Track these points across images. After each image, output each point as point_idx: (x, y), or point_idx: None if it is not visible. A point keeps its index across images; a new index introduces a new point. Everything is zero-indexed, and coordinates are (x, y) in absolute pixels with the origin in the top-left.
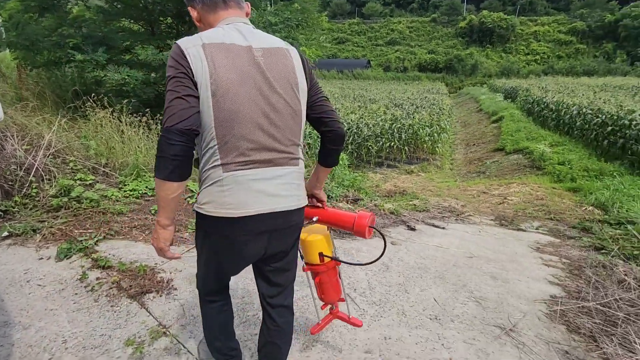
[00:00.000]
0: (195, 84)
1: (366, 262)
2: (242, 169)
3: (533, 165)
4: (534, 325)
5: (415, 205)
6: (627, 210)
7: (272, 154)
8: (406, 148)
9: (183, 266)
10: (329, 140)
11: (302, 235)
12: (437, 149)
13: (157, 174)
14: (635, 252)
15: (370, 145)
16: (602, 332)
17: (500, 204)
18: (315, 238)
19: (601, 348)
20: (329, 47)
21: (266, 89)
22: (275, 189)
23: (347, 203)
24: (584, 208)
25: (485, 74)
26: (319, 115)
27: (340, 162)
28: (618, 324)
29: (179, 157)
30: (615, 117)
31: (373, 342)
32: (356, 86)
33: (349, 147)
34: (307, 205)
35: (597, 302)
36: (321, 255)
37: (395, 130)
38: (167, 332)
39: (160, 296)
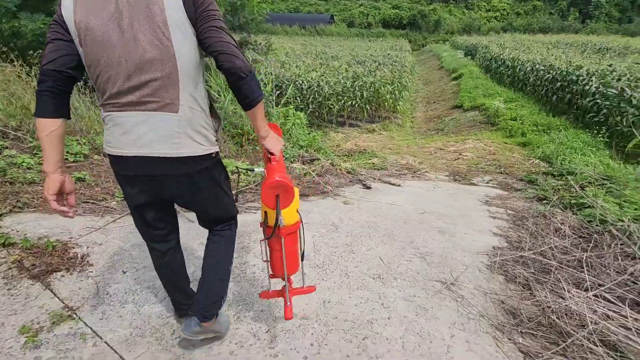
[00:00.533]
0: (67, 30)
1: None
2: (115, 111)
3: (488, 122)
4: (475, 278)
5: (373, 163)
6: (569, 162)
7: (142, 98)
8: (368, 107)
9: (105, 238)
10: (226, 77)
11: (262, 184)
12: (398, 107)
13: (34, 113)
14: (573, 202)
15: (331, 104)
16: (536, 280)
17: (455, 160)
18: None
19: (534, 296)
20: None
21: (129, 30)
22: (146, 134)
23: (303, 164)
24: (531, 161)
25: (448, 30)
26: (207, 50)
27: (298, 121)
28: (551, 271)
29: (44, 93)
30: (564, 73)
31: (311, 308)
32: (319, 43)
33: (310, 106)
34: (210, 155)
35: (533, 251)
36: (266, 214)
37: (357, 88)
38: (74, 315)
39: (71, 274)
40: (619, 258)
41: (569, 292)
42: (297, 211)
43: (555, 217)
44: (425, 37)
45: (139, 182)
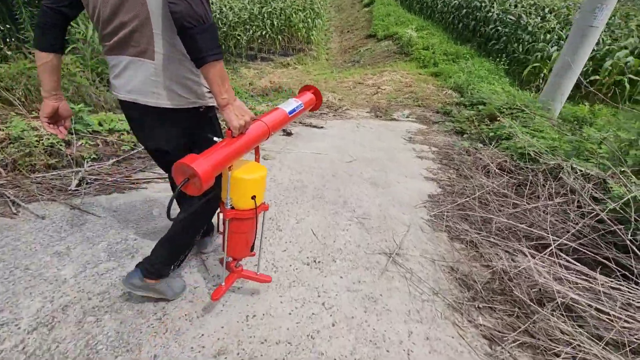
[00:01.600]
0: None
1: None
2: (107, 54)
3: (402, 52)
4: (418, 241)
5: None
6: (477, 91)
7: (122, 42)
8: (280, 37)
9: None
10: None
11: (233, 172)
12: (312, 37)
13: (32, 42)
14: (491, 134)
15: (238, 35)
16: (480, 235)
17: (374, 94)
18: (247, 176)
19: (482, 255)
20: None
21: None
22: (131, 79)
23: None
24: (444, 92)
25: None
26: None
27: None
28: (492, 221)
29: (40, 27)
30: (469, 0)
31: (230, 331)
32: None
33: None
34: (197, 109)
35: (468, 197)
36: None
37: (266, 15)
38: None
39: None
40: (554, 197)
41: (515, 252)
42: (252, 198)
43: (480, 153)
44: None
45: (135, 126)
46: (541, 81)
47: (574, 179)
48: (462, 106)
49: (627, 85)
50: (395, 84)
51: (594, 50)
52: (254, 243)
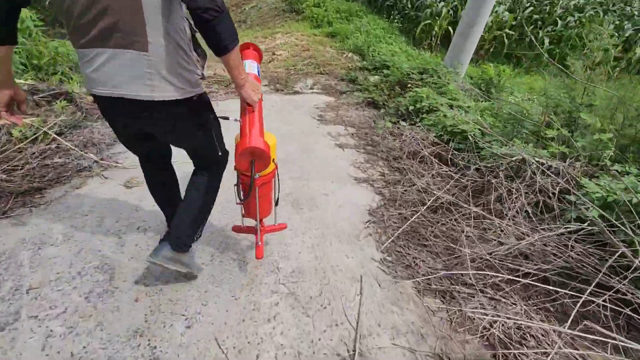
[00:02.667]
0: None
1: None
2: (81, 47)
3: (292, 9)
4: (381, 310)
5: None
6: (378, 54)
7: (105, 32)
8: None
9: None
10: (191, 15)
11: (236, 134)
12: None
13: None
14: (410, 107)
15: None
16: (453, 278)
17: (269, 62)
18: (271, 143)
19: (472, 319)
20: None
21: None
22: (115, 73)
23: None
24: (345, 55)
25: None
26: None
27: None
28: (465, 263)
29: None
30: None
31: None
32: None
33: None
34: (191, 98)
35: (421, 208)
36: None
37: None
38: None
39: None
40: (525, 205)
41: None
42: (273, 160)
43: (405, 133)
44: None
45: (117, 119)
46: (433, 40)
47: (538, 174)
48: (366, 71)
49: (506, 41)
50: (292, 48)
51: None
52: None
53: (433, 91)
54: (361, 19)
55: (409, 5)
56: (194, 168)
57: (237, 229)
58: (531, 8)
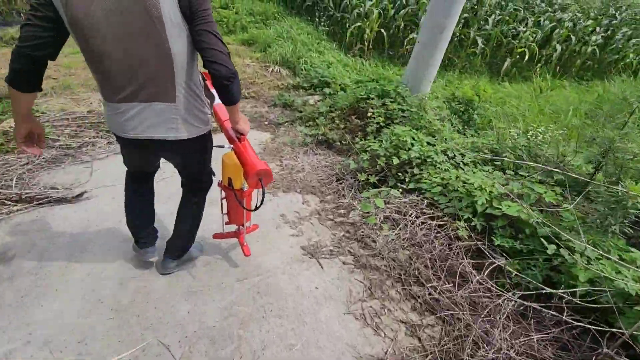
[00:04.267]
0: (54, 16)
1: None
2: (115, 102)
3: None
4: None
5: None
6: (311, 66)
7: (141, 90)
8: None
9: None
10: (212, 79)
11: (223, 156)
12: None
13: (6, 78)
14: (394, 161)
15: None
16: None
17: None
18: (228, 161)
19: None
20: None
21: (123, 25)
22: (146, 119)
23: None
24: (271, 69)
25: None
26: (199, 52)
27: None
28: None
29: (18, 71)
30: None
31: None
32: None
33: None
34: (205, 134)
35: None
36: (229, 180)
37: None
38: None
39: None
40: None
41: None
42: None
43: (406, 214)
44: None
45: (139, 153)
46: (365, 44)
47: None
48: (302, 90)
49: None
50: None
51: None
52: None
53: (411, 129)
54: (280, 23)
55: (332, 5)
56: (185, 189)
57: (219, 236)
58: None
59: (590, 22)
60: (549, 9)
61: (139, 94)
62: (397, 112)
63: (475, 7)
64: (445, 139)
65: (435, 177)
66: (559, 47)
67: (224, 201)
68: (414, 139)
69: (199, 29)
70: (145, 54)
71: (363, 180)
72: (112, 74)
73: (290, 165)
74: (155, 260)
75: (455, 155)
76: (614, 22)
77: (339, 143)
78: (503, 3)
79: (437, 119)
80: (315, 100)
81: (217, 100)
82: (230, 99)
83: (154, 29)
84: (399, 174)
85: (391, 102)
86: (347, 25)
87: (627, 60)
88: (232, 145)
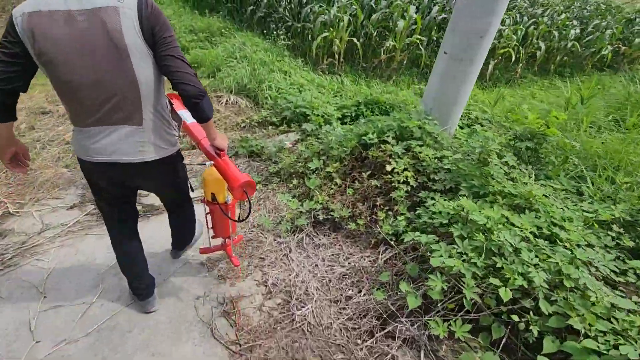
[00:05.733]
0: (22, 52)
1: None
2: (83, 126)
3: None
4: None
5: None
6: (279, 92)
7: (108, 115)
8: None
9: None
10: (182, 99)
11: (204, 173)
12: None
13: None
14: (489, 296)
15: None
16: None
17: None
18: (209, 177)
19: None
20: None
21: (89, 57)
22: (113, 144)
23: None
24: (225, 100)
25: None
26: (165, 74)
27: None
28: None
29: None
30: None
31: None
32: None
33: None
34: (172, 155)
35: None
36: (213, 195)
37: None
38: None
39: None
40: None
41: None
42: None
43: None
44: None
45: (107, 179)
46: (336, 57)
47: None
48: (271, 127)
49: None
50: None
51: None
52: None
53: (509, 211)
54: (229, 40)
55: (288, 15)
56: (170, 215)
57: (206, 250)
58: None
59: (563, 15)
60: (524, 3)
61: (107, 118)
62: (434, 164)
63: (445, 4)
64: (538, 211)
65: (606, 335)
66: (542, 45)
67: (209, 216)
68: (510, 231)
69: (164, 54)
70: (112, 82)
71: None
72: (81, 101)
73: (282, 285)
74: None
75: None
76: (586, 13)
77: (352, 224)
78: None
79: (505, 170)
80: (292, 141)
81: (191, 120)
82: (202, 116)
83: (119, 58)
84: (511, 315)
85: (419, 145)
86: (311, 36)
87: (604, 52)
88: (212, 162)
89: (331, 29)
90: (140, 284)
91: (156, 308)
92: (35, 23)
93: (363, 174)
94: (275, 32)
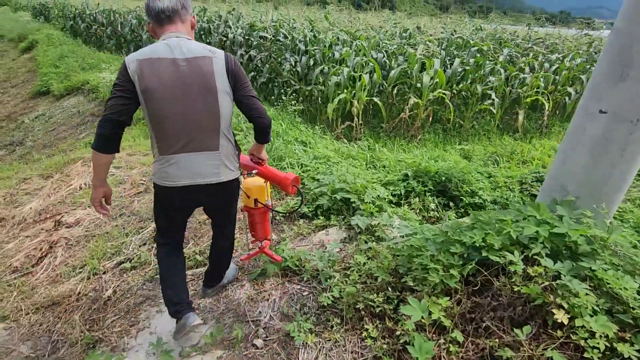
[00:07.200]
0: (131, 89)
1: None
2: (171, 154)
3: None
4: None
5: None
6: (304, 170)
7: (193, 143)
8: None
9: None
10: (254, 128)
11: (246, 184)
12: None
13: (92, 144)
14: None
15: None
16: None
17: (44, 254)
18: (253, 186)
19: None
20: None
21: (184, 94)
22: (196, 167)
23: None
24: None
25: None
26: (245, 112)
27: None
28: None
29: (104, 136)
30: None
31: None
32: None
33: None
34: (237, 178)
35: None
36: (256, 201)
37: None
38: None
39: None
40: None
41: None
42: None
43: None
44: None
45: (182, 199)
46: (355, 120)
47: None
48: (303, 220)
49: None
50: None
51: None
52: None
53: None
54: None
55: (294, 79)
56: (215, 237)
57: (246, 258)
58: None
59: (579, 60)
60: (540, 50)
61: (189, 145)
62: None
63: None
64: None
65: None
66: (572, 90)
67: (248, 221)
68: None
69: (245, 94)
70: (198, 115)
71: None
72: (169, 131)
73: None
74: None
75: None
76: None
77: None
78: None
79: None
80: (338, 245)
81: None
82: (267, 139)
83: (209, 95)
84: None
85: (603, 270)
86: (321, 99)
87: None
88: (255, 171)
89: (345, 90)
90: (177, 298)
91: (199, 321)
92: (145, 66)
93: (502, 324)
94: (283, 97)
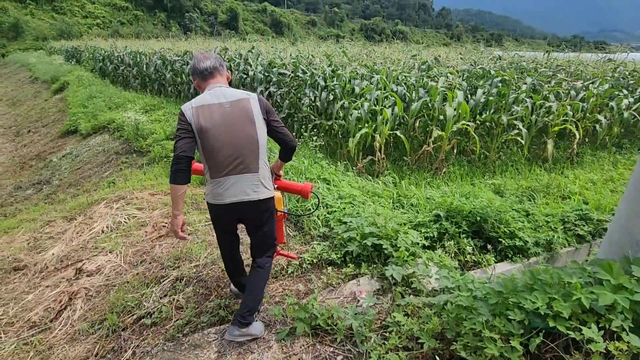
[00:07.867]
0: (191, 130)
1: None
2: (221, 177)
3: (131, 150)
4: None
5: None
6: (329, 212)
7: (238, 167)
8: None
9: None
10: (283, 150)
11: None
12: None
13: (170, 180)
14: None
15: None
16: None
17: (60, 310)
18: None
19: None
20: None
21: (230, 128)
22: (239, 187)
23: None
24: None
25: (38, 37)
26: (276, 138)
27: None
28: None
29: (179, 170)
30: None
31: None
32: None
33: None
34: (273, 197)
35: None
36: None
37: None
38: None
39: None
40: None
41: None
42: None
43: None
44: (4, 45)
45: (231, 215)
46: (377, 155)
47: None
48: (332, 268)
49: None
50: (129, 238)
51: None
52: None
53: None
54: None
55: (314, 114)
56: (255, 255)
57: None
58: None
59: (607, 85)
60: (562, 76)
61: (235, 169)
62: None
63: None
64: None
65: None
66: (602, 118)
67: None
68: None
69: (277, 126)
70: (242, 143)
71: None
72: (220, 159)
73: None
74: None
75: None
76: (631, 82)
77: None
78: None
79: None
80: (372, 300)
81: None
82: (291, 159)
83: (249, 128)
84: None
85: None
86: (341, 133)
87: None
88: (275, 186)
89: (366, 124)
90: (242, 279)
91: (262, 329)
92: (200, 111)
93: None
94: (304, 133)
